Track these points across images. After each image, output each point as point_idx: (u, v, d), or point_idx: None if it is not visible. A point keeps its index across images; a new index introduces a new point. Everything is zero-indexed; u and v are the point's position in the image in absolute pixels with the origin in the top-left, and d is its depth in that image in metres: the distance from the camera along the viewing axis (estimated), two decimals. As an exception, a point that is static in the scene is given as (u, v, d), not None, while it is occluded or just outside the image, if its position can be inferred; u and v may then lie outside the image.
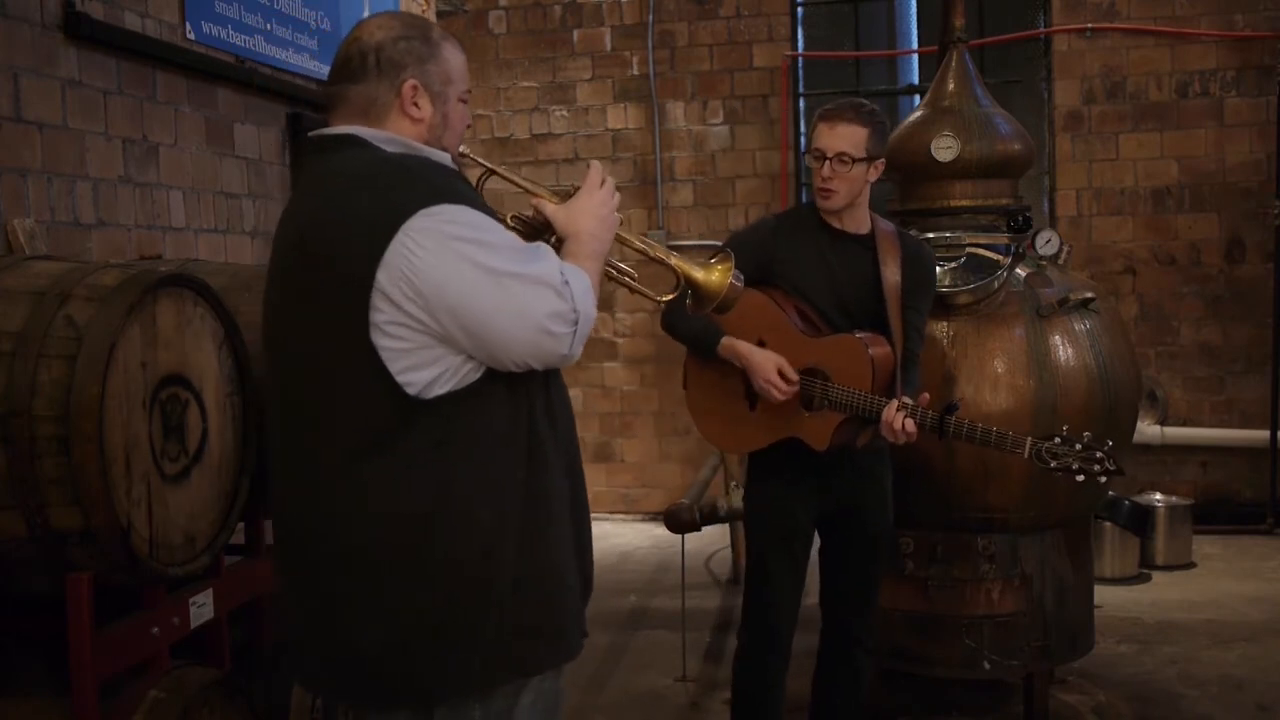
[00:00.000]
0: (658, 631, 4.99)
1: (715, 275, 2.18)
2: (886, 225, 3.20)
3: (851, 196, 3.07)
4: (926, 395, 3.03)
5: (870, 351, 3.00)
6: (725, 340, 3.07)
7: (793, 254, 3.10)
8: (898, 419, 2.91)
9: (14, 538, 2.38)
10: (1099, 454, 2.88)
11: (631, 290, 2.24)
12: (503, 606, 1.87)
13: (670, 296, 2.21)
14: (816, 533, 3.23)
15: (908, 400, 2.97)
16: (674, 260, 2.20)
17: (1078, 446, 2.89)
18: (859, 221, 3.14)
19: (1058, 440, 2.91)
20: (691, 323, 3.06)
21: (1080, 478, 2.89)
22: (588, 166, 2.14)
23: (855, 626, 3.25)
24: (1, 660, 2.60)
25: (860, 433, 3.08)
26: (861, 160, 3.02)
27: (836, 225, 3.13)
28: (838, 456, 3.07)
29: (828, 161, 3.02)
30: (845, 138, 3.02)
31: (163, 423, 2.56)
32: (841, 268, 3.10)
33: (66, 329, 2.37)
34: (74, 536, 2.38)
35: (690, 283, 2.19)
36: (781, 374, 2.99)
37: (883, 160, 3.09)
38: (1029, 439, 2.95)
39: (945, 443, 3.09)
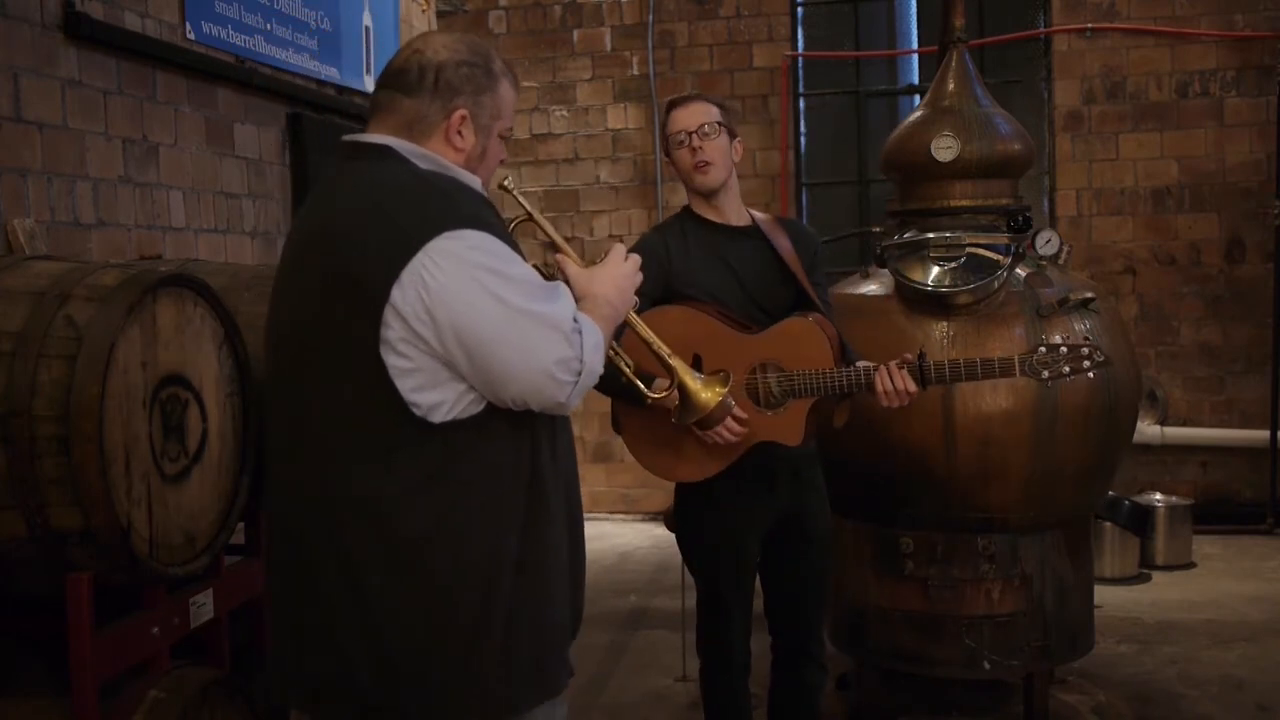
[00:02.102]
0: (658, 631, 4.99)
1: (707, 392, 2.17)
2: (760, 214, 3.17)
3: (727, 171, 3.04)
4: (908, 355, 2.93)
5: (821, 327, 2.93)
6: (658, 384, 2.89)
7: (690, 264, 3.01)
8: (899, 378, 2.84)
9: (14, 538, 2.38)
10: (1084, 350, 2.91)
11: (623, 377, 2.21)
12: (494, 640, 1.85)
13: (661, 397, 2.18)
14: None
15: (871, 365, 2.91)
16: (674, 362, 2.18)
17: (1063, 350, 2.91)
18: (739, 212, 3.11)
19: (1043, 350, 2.92)
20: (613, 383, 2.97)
21: (1072, 377, 2.94)
22: (614, 245, 2.13)
23: (806, 640, 3.18)
24: (1, 660, 2.60)
25: (835, 412, 2.99)
26: (723, 129, 3.02)
27: (719, 220, 3.07)
28: (773, 467, 2.99)
29: (692, 135, 3.00)
30: (700, 113, 3.01)
31: (163, 423, 2.56)
32: (742, 264, 3.02)
33: (66, 329, 2.37)
34: (74, 536, 2.38)
35: (682, 388, 2.18)
36: (737, 420, 2.83)
37: (740, 141, 3.09)
38: (1016, 358, 2.93)
39: (934, 390, 3.00)
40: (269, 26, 4.87)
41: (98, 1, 3.88)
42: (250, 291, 3.05)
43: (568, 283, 2.04)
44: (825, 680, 3.27)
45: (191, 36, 4.35)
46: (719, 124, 3.03)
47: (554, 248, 2.11)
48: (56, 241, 3.63)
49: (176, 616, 2.67)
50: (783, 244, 3.07)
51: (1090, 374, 2.95)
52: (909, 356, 2.92)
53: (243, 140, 4.75)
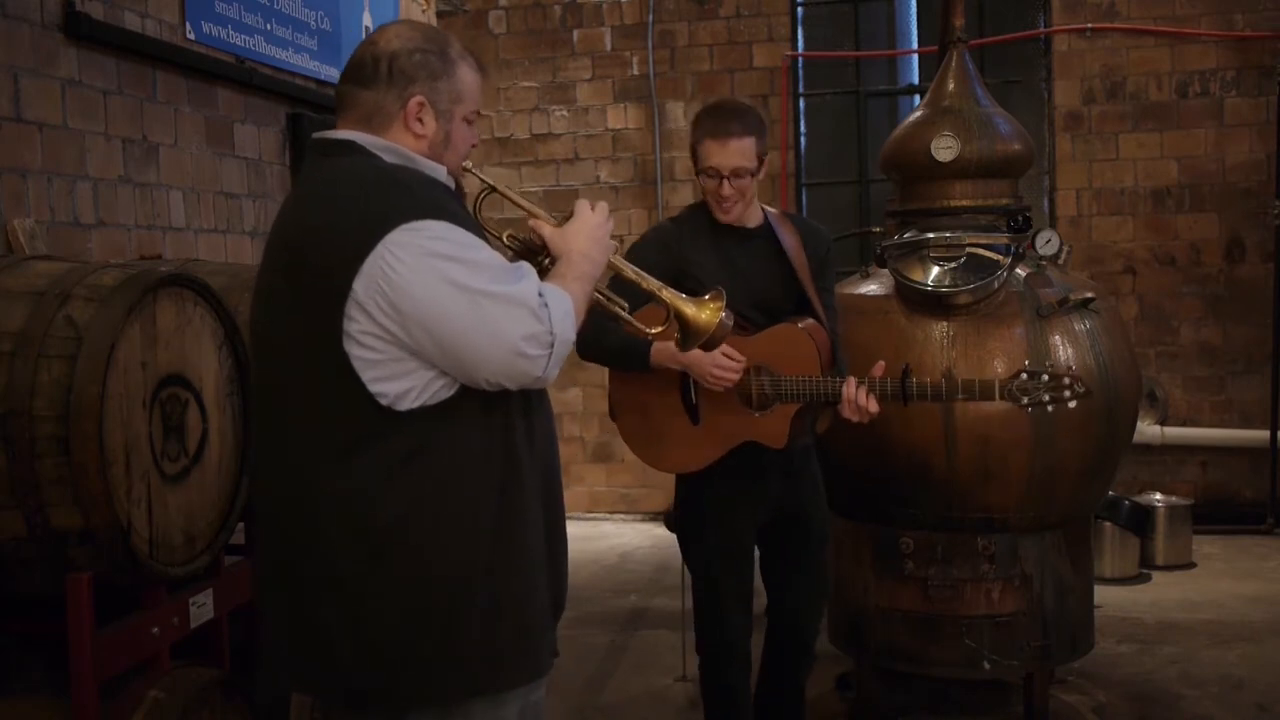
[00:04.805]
0: (658, 631, 4.99)
1: (706, 312, 2.17)
2: (772, 210, 3.20)
3: (748, 203, 3.07)
4: (882, 364, 2.97)
5: (812, 336, 2.98)
6: (657, 346, 2.91)
7: (699, 259, 3.02)
8: (860, 394, 2.89)
9: (14, 538, 2.38)
10: (1066, 379, 2.92)
11: (621, 321, 2.22)
12: (471, 623, 1.88)
13: (660, 329, 2.19)
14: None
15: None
16: (665, 293, 2.19)
17: (1044, 378, 2.92)
18: (753, 214, 3.13)
19: (1024, 376, 2.93)
20: (610, 341, 2.95)
21: (1051, 407, 2.94)
22: (577, 199, 2.13)
23: (805, 635, 3.24)
24: (1, 660, 2.60)
25: (818, 419, 3.06)
26: (756, 169, 3.01)
27: (731, 222, 3.09)
28: (770, 462, 3.03)
29: (725, 180, 2.98)
30: (738, 153, 2.96)
31: (163, 423, 2.56)
32: (749, 266, 3.06)
33: (66, 329, 2.37)
34: (74, 536, 2.38)
35: (679, 317, 2.18)
36: (728, 355, 2.88)
37: (766, 155, 3.07)
38: (997, 381, 2.96)
39: (910, 407, 3.02)
40: (269, 26, 4.87)
41: (98, 1, 3.88)
42: (250, 291, 3.05)
43: (545, 245, 2.06)
44: (812, 666, 3.35)
45: (191, 36, 4.35)
46: (754, 169, 2.99)
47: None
48: (56, 241, 3.63)
49: (176, 616, 2.67)
50: (790, 244, 3.10)
51: (1071, 404, 2.95)
52: (877, 371, 2.95)
53: (243, 140, 4.75)
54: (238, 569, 2.94)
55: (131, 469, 2.44)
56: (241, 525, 2.96)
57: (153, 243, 4.14)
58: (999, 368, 3.53)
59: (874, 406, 2.91)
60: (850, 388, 2.90)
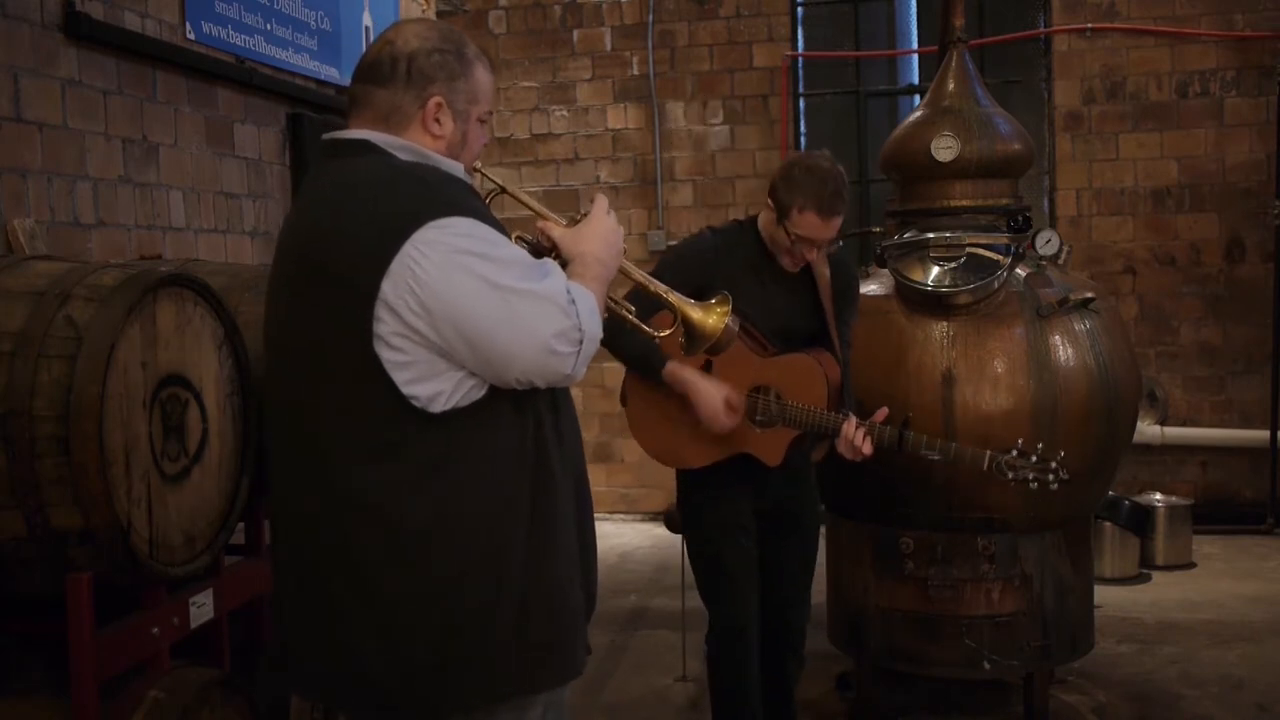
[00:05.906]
0: (658, 631, 4.99)
1: (712, 317, 2.17)
2: None
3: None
4: (885, 410, 3.08)
5: (824, 370, 3.07)
6: (670, 365, 3.05)
7: (730, 274, 3.04)
8: (858, 436, 3.00)
9: (14, 538, 2.38)
10: (1053, 464, 3.07)
11: (628, 324, 2.22)
12: (507, 625, 1.85)
13: (666, 333, 2.20)
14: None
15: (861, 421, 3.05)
16: (672, 298, 2.19)
17: (1033, 459, 3.07)
18: None
19: (1015, 453, 3.08)
20: (632, 344, 3.04)
21: (1034, 485, 3.08)
22: (592, 200, 2.12)
23: (794, 631, 3.31)
24: (1, 660, 2.60)
25: (815, 447, 3.16)
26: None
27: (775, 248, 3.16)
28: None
29: (815, 248, 3.06)
30: (836, 226, 3.04)
31: (163, 423, 2.56)
32: (778, 290, 3.13)
33: (66, 329, 2.37)
34: (74, 536, 2.37)
35: (686, 322, 2.18)
36: (729, 405, 3.01)
37: None
38: (988, 452, 3.09)
39: (903, 456, 3.14)
40: (269, 26, 4.87)
41: (98, 1, 3.88)
42: (250, 292, 3.05)
43: (555, 246, 2.04)
44: (802, 670, 3.41)
45: (191, 36, 4.35)
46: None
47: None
48: (56, 241, 3.63)
49: (176, 616, 2.67)
50: (823, 276, 3.16)
51: (1052, 486, 3.09)
52: (879, 417, 3.06)
53: (243, 140, 4.75)
54: (238, 569, 2.94)
55: (131, 469, 2.44)
56: (242, 525, 2.96)
57: (153, 243, 4.14)
58: (999, 368, 3.54)
59: (868, 449, 3.03)
60: (850, 426, 3.01)
